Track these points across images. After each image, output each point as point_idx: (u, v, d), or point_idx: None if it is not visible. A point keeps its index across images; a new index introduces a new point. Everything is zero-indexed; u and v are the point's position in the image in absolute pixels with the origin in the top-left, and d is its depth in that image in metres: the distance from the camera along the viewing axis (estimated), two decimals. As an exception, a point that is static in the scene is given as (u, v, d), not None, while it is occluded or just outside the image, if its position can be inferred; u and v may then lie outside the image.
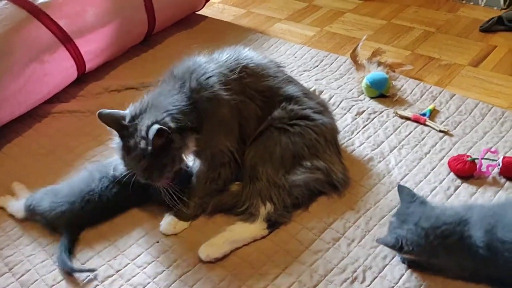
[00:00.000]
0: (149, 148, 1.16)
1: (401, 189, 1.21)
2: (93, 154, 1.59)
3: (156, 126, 1.14)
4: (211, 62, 1.33)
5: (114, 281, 1.18)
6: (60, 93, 1.83)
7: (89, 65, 1.85)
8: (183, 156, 1.23)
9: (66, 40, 1.71)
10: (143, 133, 1.17)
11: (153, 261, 1.23)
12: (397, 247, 1.09)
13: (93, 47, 1.83)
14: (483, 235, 1.01)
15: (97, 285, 1.17)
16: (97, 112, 1.21)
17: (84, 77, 1.91)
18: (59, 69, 1.74)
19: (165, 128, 1.15)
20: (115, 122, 1.22)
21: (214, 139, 1.28)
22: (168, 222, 1.30)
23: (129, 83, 1.89)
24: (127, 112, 1.23)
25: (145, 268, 1.21)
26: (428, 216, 1.08)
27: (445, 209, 1.12)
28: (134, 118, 1.21)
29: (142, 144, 1.17)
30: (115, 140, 1.24)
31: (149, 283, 1.18)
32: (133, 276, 1.19)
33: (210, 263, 1.20)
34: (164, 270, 1.20)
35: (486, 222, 1.02)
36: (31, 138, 1.68)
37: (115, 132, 1.23)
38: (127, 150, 1.20)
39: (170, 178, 1.24)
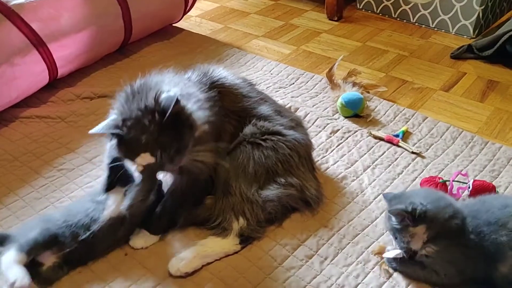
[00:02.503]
0: (165, 118, 1.06)
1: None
2: (62, 161, 1.53)
3: (172, 94, 1.07)
4: (187, 81, 1.31)
5: (79, 295, 1.14)
6: (30, 97, 1.77)
7: (62, 70, 1.80)
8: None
9: (38, 43, 1.66)
10: (151, 106, 1.08)
11: (120, 275, 1.18)
12: (410, 208, 1.10)
13: (66, 53, 1.78)
14: (471, 220, 1.11)
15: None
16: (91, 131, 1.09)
17: (55, 83, 1.86)
18: (30, 73, 1.68)
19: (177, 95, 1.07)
20: (113, 126, 1.10)
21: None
22: (138, 235, 1.26)
23: (102, 91, 1.84)
24: (115, 117, 1.11)
25: (111, 281, 1.17)
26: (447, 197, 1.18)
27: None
28: (125, 118, 1.10)
29: (156, 118, 1.08)
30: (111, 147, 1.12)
31: (115, 297, 1.14)
32: (99, 290, 1.15)
33: (181, 278, 1.17)
34: (131, 284, 1.16)
35: (474, 209, 1.13)
36: (-5, 142, 1.62)
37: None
38: (135, 140, 1.08)
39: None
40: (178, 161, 1.13)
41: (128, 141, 1.10)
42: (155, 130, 1.08)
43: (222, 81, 1.34)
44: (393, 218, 1.14)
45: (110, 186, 1.23)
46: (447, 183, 1.38)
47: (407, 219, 1.11)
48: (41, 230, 1.14)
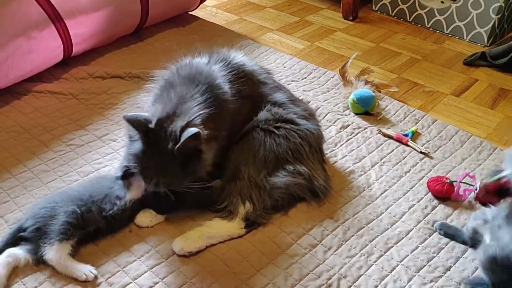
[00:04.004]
0: (176, 149, 1.10)
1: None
2: (71, 137, 1.54)
3: (193, 129, 1.09)
4: (214, 65, 1.32)
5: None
6: (43, 73, 1.78)
7: (77, 48, 1.81)
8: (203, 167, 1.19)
9: (56, 19, 1.67)
10: (174, 135, 1.11)
11: (124, 250, 1.19)
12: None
13: (83, 31, 1.79)
14: None
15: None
16: (123, 116, 1.12)
17: (69, 61, 1.86)
18: (45, 48, 1.69)
19: (200, 132, 1.11)
20: (141, 125, 1.12)
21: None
22: (144, 214, 1.26)
23: (115, 72, 1.85)
24: (150, 115, 1.14)
25: (115, 256, 1.17)
26: None
27: None
28: (161, 122, 1.13)
29: (170, 146, 1.11)
30: (134, 145, 1.15)
31: (118, 271, 1.14)
32: (102, 264, 1.15)
33: (184, 257, 1.17)
34: (135, 260, 1.17)
35: None
36: (6, 114, 1.62)
37: (133, 135, 1.16)
38: (150, 154, 1.13)
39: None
40: (181, 185, 1.17)
41: (147, 152, 1.12)
42: (168, 156, 1.11)
43: (242, 66, 1.35)
44: None
45: (126, 176, 1.23)
46: (454, 183, 1.38)
47: None
48: (68, 212, 1.14)
